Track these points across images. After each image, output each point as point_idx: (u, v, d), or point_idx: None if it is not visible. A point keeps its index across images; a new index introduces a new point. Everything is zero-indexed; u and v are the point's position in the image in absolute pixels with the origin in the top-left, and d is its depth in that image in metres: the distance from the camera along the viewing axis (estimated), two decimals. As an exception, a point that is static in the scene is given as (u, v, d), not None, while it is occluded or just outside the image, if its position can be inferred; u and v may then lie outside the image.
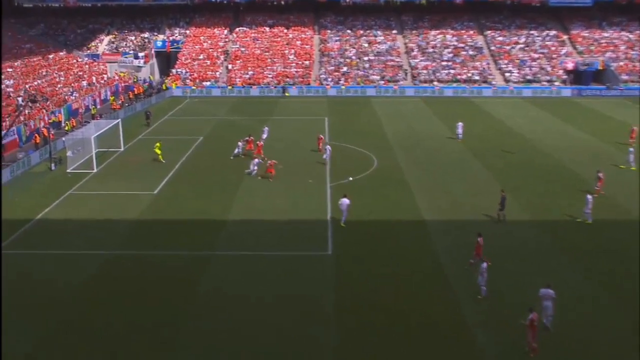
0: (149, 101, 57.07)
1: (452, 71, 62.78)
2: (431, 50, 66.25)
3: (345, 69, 64.06)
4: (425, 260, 22.32)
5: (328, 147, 33.37)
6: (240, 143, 37.26)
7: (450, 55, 65.16)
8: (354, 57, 65.54)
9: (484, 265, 20.58)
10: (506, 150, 35.79)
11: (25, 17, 72.35)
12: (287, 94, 57.07)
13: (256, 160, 33.94)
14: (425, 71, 63.25)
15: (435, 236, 24.36)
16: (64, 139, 38.52)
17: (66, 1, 70.26)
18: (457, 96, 57.79)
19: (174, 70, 65.22)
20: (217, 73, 63.77)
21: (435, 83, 61.17)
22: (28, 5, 73.48)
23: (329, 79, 63.27)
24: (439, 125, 43.66)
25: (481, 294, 20.47)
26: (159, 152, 36.45)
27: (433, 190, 29.46)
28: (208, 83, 61.85)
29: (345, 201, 26.11)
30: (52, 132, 41.35)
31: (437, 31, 69.21)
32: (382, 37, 68.55)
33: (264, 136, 38.64)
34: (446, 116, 46.93)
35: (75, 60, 61.93)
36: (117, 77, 61.19)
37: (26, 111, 43.66)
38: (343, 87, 61.76)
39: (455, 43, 66.91)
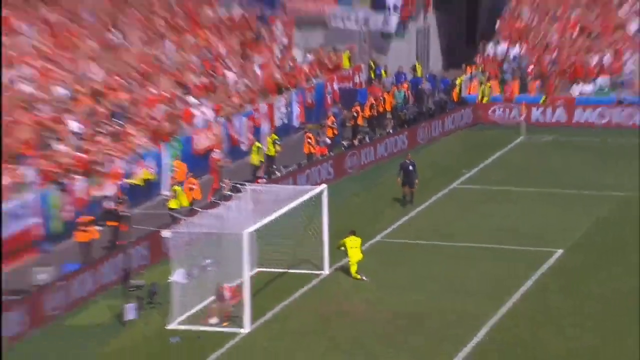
0: (414, 136, 50.05)
1: None
2: None
3: None
4: None
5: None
6: None
7: None
8: None
9: None
10: None
11: None
12: None
13: None
14: None
15: None
16: (166, 233, 31.71)
17: None
18: None
19: (488, 49, 56.10)
20: (627, 61, 53.04)
21: None
22: None
23: None
24: None
25: None
26: (351, 258, 33.76)
27: None
28: (589, 88, 52.07)
29: None
30: (128, 211, 36.58)
31: None
32: None
33: None
34: None
35: (205, 11, 53.97)
36: (312, 65, 53.65)
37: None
38: None
39: None
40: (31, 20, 42.90)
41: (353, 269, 33.14)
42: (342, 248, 33.40)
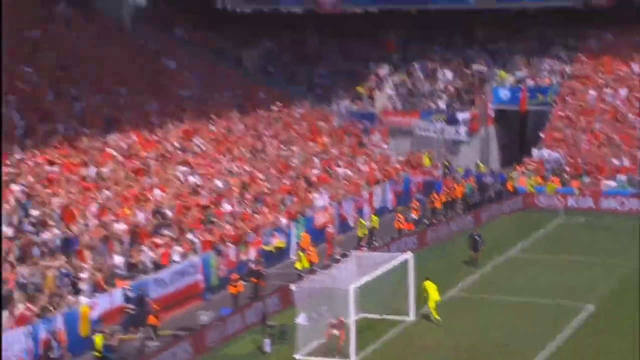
0: (478, 216, 47.19)
1: None
2: None
3: None
4: None
5: None
6: None
7: None
8: None
9: None
10: None
11: (233, 29, 62.45)
12: None
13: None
14: None
15: None
16: (293, 287, 31.01)
17: (318, 3, 59.80)
18: None
19: (534, 153, 52.94)
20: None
21: None
22: (241, 10, 62.61)
23: None
24: None
25: None
26: (430, 297, 32.19)
27: None
28: (612, 183, 50.07)
29: None
30: (265, 270, 35.32)
31: None
32: None
33: None
34: None
35: (323, 124, 52.84)
36: (402, 163, 52.58)
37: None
38: None
39: None
40: (203, 133, 42.71)
41: (432, 305, 31.99)
42: (425, 294, 32.06)
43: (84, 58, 44.30)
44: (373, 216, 42.37)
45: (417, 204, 45.60)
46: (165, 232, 33.03)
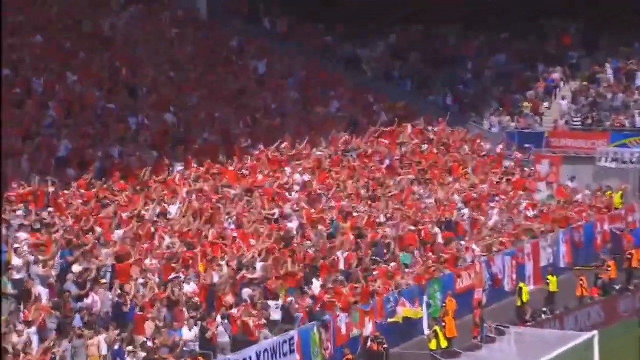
0: None
1: None
2: None
3: None
4: None
5: None
6: None
7: None
8: None
9: None
10: None
11: (346, 20, 64.52)
12: None
13: None
14: None
15: None
16: None
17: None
18: None
19: None
20: None
21: None
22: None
23: None
24: None
25: None
26: None
27: None
28: None
29: None
30: (387, 349, 35.71)
31: None
32: None
33: None
34: None
35: (468, 149, 53.97)
36: (582, 204, 51.94)
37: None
38: None
39: None
40: (303, 161, 43.55)
41: None
42: None
43: (144, 60, 45.56)
44: (550, 277, 42.48)
45: (606, 261, 45.31)
46: (252, 296, 33.44)
